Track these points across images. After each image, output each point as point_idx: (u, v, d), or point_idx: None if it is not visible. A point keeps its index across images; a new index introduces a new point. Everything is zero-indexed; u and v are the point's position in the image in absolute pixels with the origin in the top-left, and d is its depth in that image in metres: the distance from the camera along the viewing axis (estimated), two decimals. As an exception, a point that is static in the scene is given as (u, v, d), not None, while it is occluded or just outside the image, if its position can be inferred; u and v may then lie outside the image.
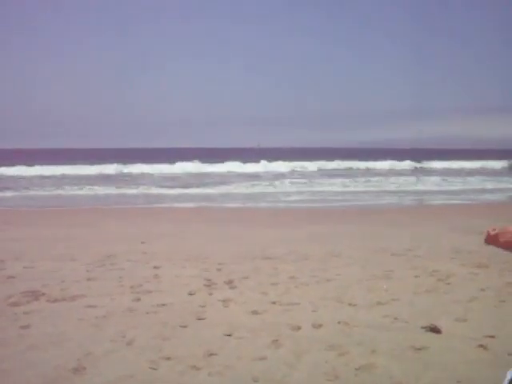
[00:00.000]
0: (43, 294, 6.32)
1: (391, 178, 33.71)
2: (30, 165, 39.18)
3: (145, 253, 8.95)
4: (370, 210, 17.97)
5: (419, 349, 4.51)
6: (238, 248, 9.39)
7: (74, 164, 41.87)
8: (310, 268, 7.68)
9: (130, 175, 37.19)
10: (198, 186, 27.73)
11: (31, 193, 24.38)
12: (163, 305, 5.86)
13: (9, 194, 23.48)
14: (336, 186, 28.57)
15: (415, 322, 5.19)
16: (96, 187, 26.35)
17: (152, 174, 37.75)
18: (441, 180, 32.45)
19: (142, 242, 10.00)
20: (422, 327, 5.01)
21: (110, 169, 40.27)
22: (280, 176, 35.90)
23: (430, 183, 30.50)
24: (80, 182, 29.00)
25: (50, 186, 27.57)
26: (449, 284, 6.73)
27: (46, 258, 8.55)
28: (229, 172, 40.25)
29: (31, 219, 14.58)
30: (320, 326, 5.12)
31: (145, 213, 16.90)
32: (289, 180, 32.01)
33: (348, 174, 38.86)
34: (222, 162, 44.58)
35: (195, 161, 45.43)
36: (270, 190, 26.49)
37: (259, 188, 27.24)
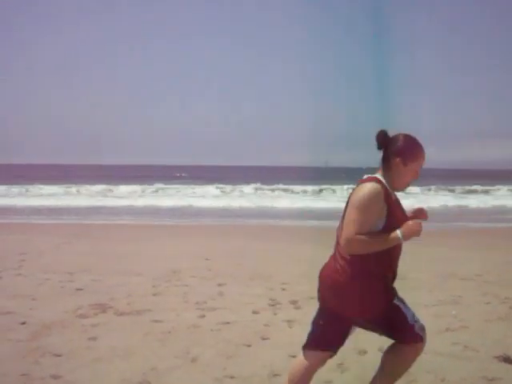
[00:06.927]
0: (110, 307, 6.45)
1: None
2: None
3: (209, 269, 9.00)
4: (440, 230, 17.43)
5: (491, 380, 4.32)
6: (302, 268, 9.30)
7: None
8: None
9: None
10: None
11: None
12: (227, 323, 5.86)
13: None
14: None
15: (487, 351, 4.98)
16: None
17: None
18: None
19: (207, 259, 10.07)
20: (495, 357, 4.81)
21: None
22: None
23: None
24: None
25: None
26: (522, 313, 6.45)
27: (113, 271, 8.73)
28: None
29: (98, 233, 14.94)
30: (387, 350, 4.98)
31: (208, 230, 17.04)
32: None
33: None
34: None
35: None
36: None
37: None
